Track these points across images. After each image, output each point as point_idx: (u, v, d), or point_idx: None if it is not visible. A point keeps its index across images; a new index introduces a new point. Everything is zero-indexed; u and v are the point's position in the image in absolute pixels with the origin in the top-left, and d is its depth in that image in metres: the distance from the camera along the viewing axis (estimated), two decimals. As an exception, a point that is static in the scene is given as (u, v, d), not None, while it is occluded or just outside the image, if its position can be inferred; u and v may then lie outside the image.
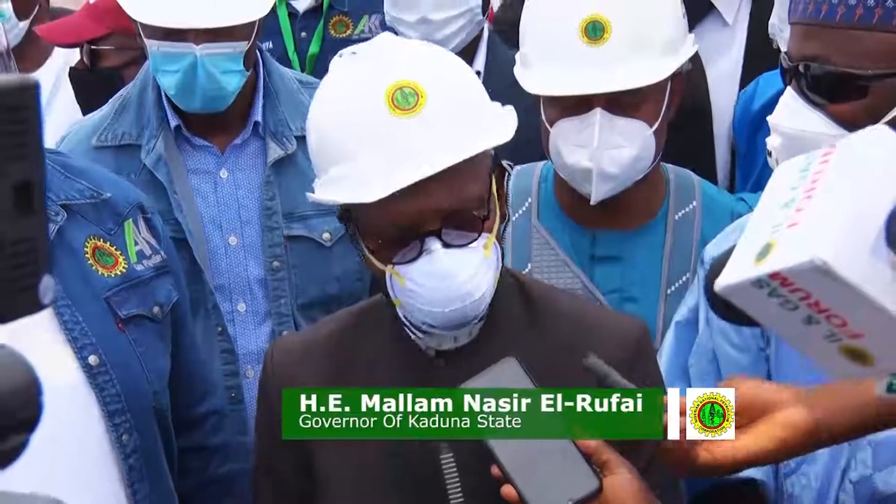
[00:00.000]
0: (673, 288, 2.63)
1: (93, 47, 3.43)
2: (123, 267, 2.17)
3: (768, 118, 2.02)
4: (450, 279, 1.82)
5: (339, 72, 1.91)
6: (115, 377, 2.06)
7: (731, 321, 1.67)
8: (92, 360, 2.04)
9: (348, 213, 1.90)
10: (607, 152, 2.50)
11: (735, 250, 1.32)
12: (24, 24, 3.98)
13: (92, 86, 3.14)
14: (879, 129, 1.31)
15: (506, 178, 1.96)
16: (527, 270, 2.62)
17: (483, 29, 3.38)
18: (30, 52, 3.92)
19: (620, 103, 2.49)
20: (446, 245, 1.82)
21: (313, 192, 1.93)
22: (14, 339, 1.96)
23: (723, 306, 1.40)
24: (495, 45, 3.39)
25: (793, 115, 1.92)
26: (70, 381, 2.03)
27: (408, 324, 1.92)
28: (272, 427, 2.01)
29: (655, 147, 2.55)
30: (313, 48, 4.07)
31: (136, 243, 2.20)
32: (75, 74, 3.47)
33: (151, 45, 2.77)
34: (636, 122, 2.51)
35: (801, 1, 1.91)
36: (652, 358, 2.07)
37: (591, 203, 2.56)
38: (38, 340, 2.02)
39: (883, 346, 1.25)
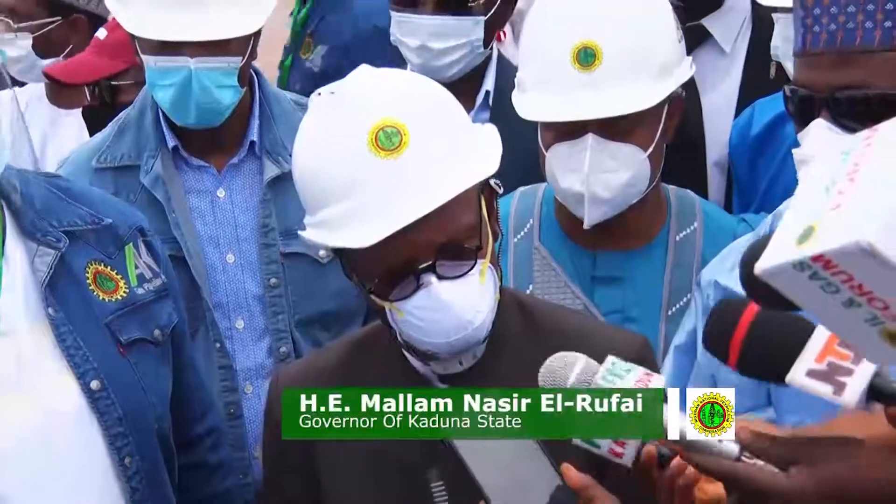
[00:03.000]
0: (674, 309, 2.63)
1: (112, 83, 3.47)
2: (124, 291, 2.17)
3: (794, 152, 2.02)
4: (449, 310, 1.85)
5: (320, 113, 1.93)
6: (116, 401, 2.06)
7: (766, 307, 1.67)
8: (94, 384, 2.05)
9: (341, 251, 1.92)
10: (599, 177, 2.51)
11: (775, 234, 1.30)
12: (49, 63, 3.98)
13: (107, 123, 3.17)
14: None
15: (495, 197, 1.98)
16: (528, 292, 2.62)
17: (493, 48, 3.41)
18: (65, 91, 3.92)
19: (614, 128, 2.50)
20: (442, 277, 1.85)
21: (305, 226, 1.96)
22: (21, 369, 2.00)
23: (760, 291, 1.40)
24: (505, 66, 3.41)
25: (829, 145, 1.92)
26: (72, 406, 2.04)
27: (411, 352, 1.95)
28: (283, 456, 2.06)
29: (651, 171, 2.56)
30: (286, 62, 4.14)
31: (137, 267, 2.21)
32: (89, 112, 3.52)
33: (148, 60, 2.81)
34: (629, 146, 2.52)
35: (822, 31, 1.91)
36: None
37: (585, 227, 2.57)
38: (44, 370, 2.04)
39: None
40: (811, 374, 1.56)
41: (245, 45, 2.82)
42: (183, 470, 2.32)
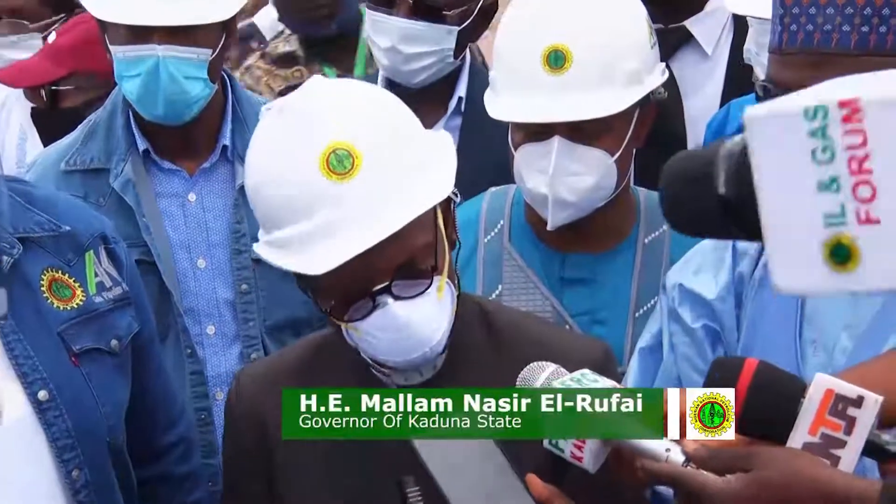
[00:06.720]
0: (642, 311, 2.63)
1: (52, 88, 3.46)
2: (81, 299, 2.13)
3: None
4: (406, 329, 1.83)
5: (271, 129, 1.89)
6: (65, 412, 2.03)
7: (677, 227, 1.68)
8: (41, 395, 2.02)
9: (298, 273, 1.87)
10: (564, 179, 2.52)
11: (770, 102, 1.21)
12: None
13: (56, 126, 3.15)
14: None
15: (452, 205, 1.95)
16: (497, 292, 2.63)
17: (465, 55, 3.40)
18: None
19: (582, 131, 2.51)
20: (398, 297, 1.82)
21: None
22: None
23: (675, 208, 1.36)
24: (477, 71, 3.41)
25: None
26: (18, 416, 2.01)
27: (372, 363, 1.92)
28: (241, 454, 2.05)
29: (618, 175, 2.56)
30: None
31: (97, 275, 2.17)
32: (38, 115, 3.49)
33: (116, 51, 2.79)
34: (596, 150, 2.52)
35: (800, 30, 1.91)
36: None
37: (549, 229, 2.58)
38: None
39: (883, 244, 1.15)
40: (806, 447, 1.58)
41: (216, 38, 2.80)
42: (149, 482, 2.30)
